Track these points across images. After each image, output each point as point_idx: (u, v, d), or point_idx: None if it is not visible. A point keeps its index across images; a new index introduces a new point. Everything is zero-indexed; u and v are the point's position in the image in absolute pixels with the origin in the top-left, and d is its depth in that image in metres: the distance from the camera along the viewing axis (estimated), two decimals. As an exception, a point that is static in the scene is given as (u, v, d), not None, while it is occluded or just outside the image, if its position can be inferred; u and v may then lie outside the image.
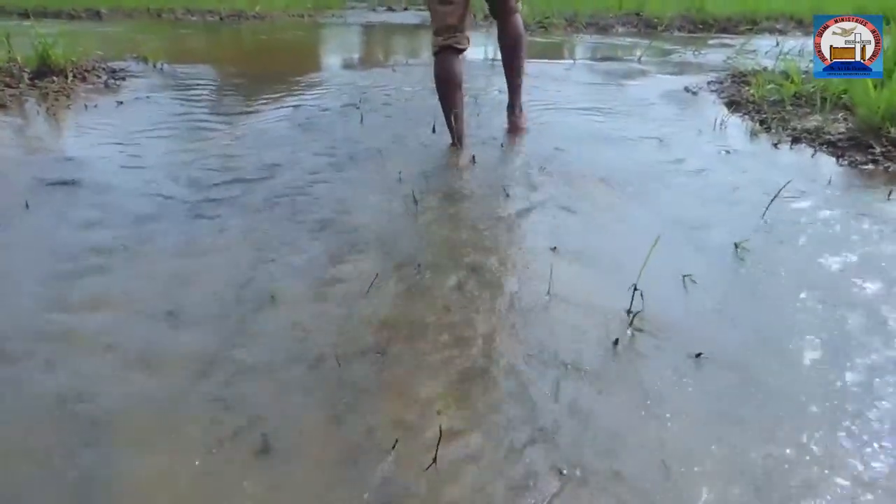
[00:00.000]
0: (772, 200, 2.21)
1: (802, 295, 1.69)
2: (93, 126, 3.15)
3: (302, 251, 1.88)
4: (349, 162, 2.67)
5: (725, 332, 1.53)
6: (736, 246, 1.98)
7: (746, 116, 3.60)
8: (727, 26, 8.05)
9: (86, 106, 3.47)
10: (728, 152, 2.95)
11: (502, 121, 3.28)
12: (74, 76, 4.08)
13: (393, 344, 1.45)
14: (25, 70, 4.05)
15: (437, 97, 2.82)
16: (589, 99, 3.96)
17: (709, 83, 4.51)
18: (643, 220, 2.15)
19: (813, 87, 3.79)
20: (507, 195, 2.33)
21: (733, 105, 3.83)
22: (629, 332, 1.51)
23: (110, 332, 1.48)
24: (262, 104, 3.71)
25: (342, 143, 2.92)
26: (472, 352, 1.43)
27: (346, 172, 2.55)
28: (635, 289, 1.59)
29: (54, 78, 3.92)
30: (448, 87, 2.74)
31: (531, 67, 5.03)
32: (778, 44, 5.82)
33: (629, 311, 1.58)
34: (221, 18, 8.02)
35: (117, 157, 2.66)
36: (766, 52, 5.87)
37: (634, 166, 2.69)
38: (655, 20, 8.10)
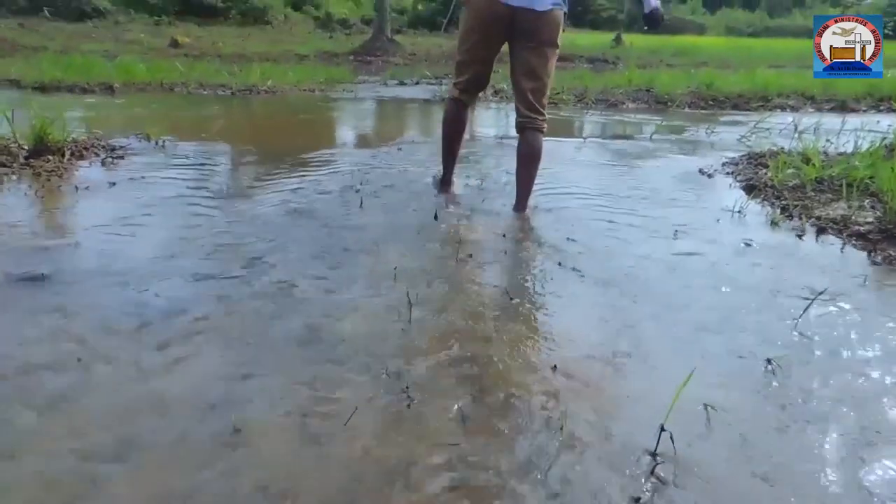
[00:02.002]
0: (806, 308, 1.99)
1: (846, 431, 1.45)
2: (80, 211, 3.01)
3: (278, 370, 1.67)
4: (342, 255, 2.49)
5: (759, 489, 1.29)
6: (769, 362, 1.75)
7: (766, 202, 3.42)
8: (738, 103, 7.99)
9: (76, 187, 3.34)
10: (749, 245, 2.75)
11: (506, 215, 3.11)
12: (72, 154, 3.99)
13: (366, 499, 1.22)
14: (24, 148, 3.96)
15: (442, 135, 3.30)
16: (600, 182, 3.80)
17: (724, 165, 4.36)
18: (662, 330, 1.93)
19: (835, 171, 3.62)
20: (511, 299, 2.12)
21: (751, 189, 3.65)
22: (650, 484, 1.27)
23: (42, 472, 1.26)
24: (260, 186, 3.58)
25: (337, 233, 2.75)
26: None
27: (337, 269, 2.36)
28: (662, 429, 1.36)
29: (49, 157, 3.82)
30: (452, 128, 3.24)
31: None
32: (795, 123, 5.69)
33: (654, 454, 1.35)
34: (233, 93, 8.06)
35: (96, 247, 2.49)
36: (781, 131, 5.77)
37: (649, 263, 2.49)
38: (665, 96, 8.06)
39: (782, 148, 4.69)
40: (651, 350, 1.81)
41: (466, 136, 3.56)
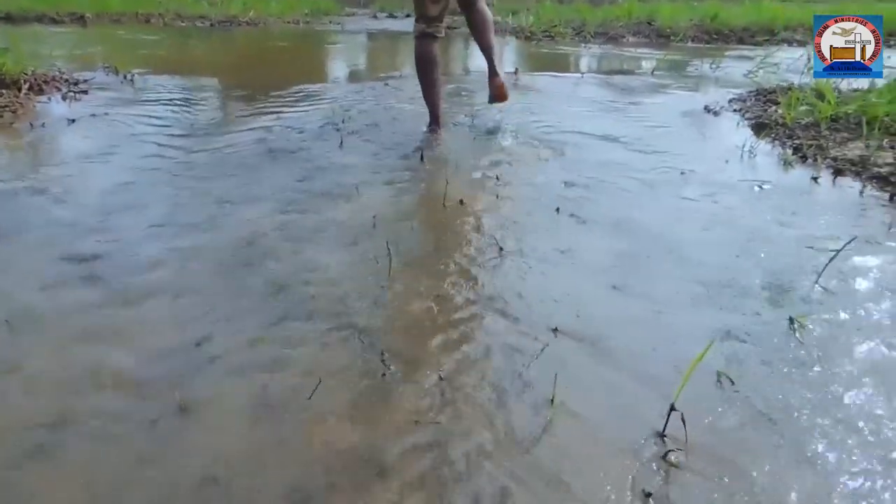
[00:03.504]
0: (831, 259, 1.79)
1: (875, 403, 1.27)
2: (31, 150, 2.75)
3: (240, 331, 1.47)
4: (317, 201, 2.26)
5: (789, 473, 1.11)
6: (791, 321, 1.56)
7: (777, 142, 3.19)
8: (743, 37, 7.63)
9: (31, 125, 3.07)
10: (762, 188, 2.53)
11: (497, 148, 2.88)
12: (30, 88, 3.69)
13: (328, 490, 1.04)
14: (-22, 81, 3.66)
15: (418, 76, 3.14)
16: (600, 120, 3.54)
17: (731, 101, 4.10)
18: (672, 285, 1.72)
19: (851, 109, 3.37)
20: (501, 249, 1.91)
21: (761, 128, 3.41)
22: (662, 472, 1.09)
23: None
24: (234, 123, 3.31)
25: (314, 175, 2.52)
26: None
27: (311, 214, 2.14)
28: (672, 409, 1.17)
29: (3, 91, 3.53)
30: (427, 65, 3.11)
31: (536, 81, 4.65)
32: (808, 58, 5.38)
33: (662, 435, 1.17)
34: (212, 25, 7.64)
35: (44, 191, 2.26)
36: (789, 66, 5.47)
37: (656, 208, 2.27)
38: (668, 30, 7.68)
39: (792, 84, 4.42)
40: (664, 309, 1.61)
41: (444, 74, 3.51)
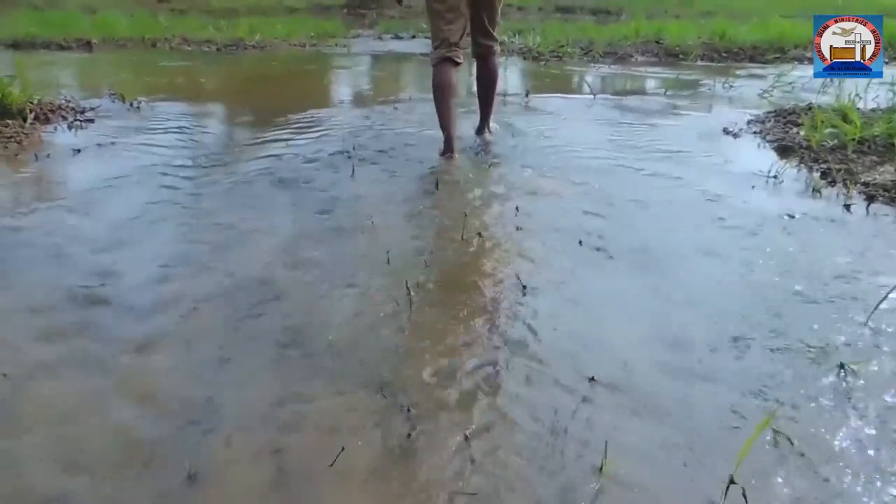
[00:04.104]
0: (882, 300, 1.68)
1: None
2: (34, 183, 2.68)
3: (253, 384, 1.37)
4: (330, 236, 2.17)
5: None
6: (842, 368, 1.45)
7: (803, 166, 3.08)
8: (753, 55, 7.55)
9: (36, 156, 2.99)
10: (793, 217, 2.42)
11: (514, 176, 2.80)
12: (36, 118, 3.62)
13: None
14: (-19, 111, 3.60)
15: (434, 102, 3.12)
16: (617, 144, 3.44)
17: (749, 122, 3.99)
18: (712, 328, 1.62)
19: (878, 130, 3.27)
20: (525, 288, 1.81)
21: (784, 151, 3.31)
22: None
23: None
24: (241, 152, 3.23)
25: (324, 206, 2.43)
26: None
27: (325, 250, 2.04)
28: (731, 482, 1.06)
29: (9, 121, 3.46)
30: (444, 92, 3.07)
31: (547, 103, 4.57)
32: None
33: (720, 509, 1.06)
34: (218, 49, 7.61)
35: (43, 228, 2.17)
36: (804, 85, 5.38)
37: (684, 240, 2.17)
38: (676, 48, 7.61)
39: (811, 104, 4.33)
40: (705, 357, 1.50)
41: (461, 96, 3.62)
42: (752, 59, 7.41)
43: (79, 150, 3.11)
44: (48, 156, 3.01)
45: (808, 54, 7.63)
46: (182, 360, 1.46)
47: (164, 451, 1.18)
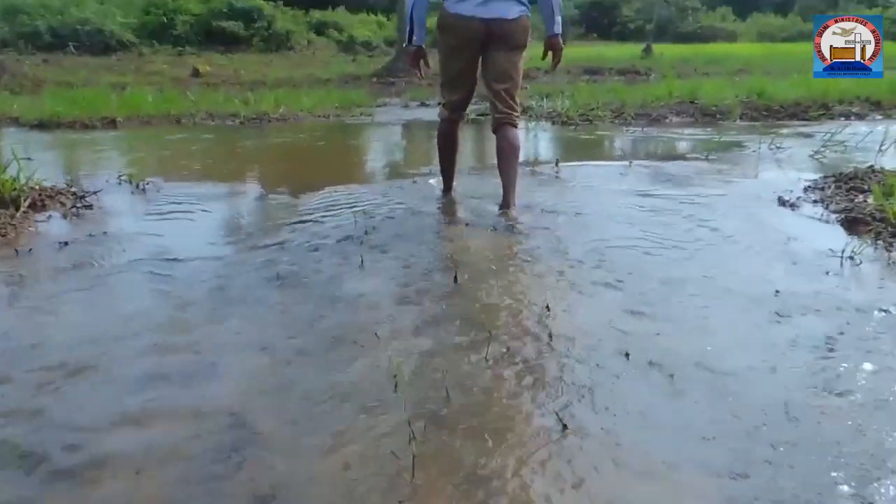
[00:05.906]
0: None
1: None
2: (6, 285, 2.39)
3: None
4: (326, 350, 1.82)
5: None
6: None
7: (881, 243, 2.66)
8: (796, 112, 7.18)
9: (17, 251, 2.73)
10: (886, 311, 2.00)
11: (543, 267, 2.43)
12: (31, 205, 3.40)
13: None
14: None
15: (438, 153, 3.53)
16: (657, 222, 3.03)
17: (806, 190, 3.59)
18: (817, 483, 1.20)
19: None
20: (565, 428, 1.42)
21: (854, 224, 2.89)
22: None
23: None
24: (241, 240, 2.94)
25: (324, 311, 2.08)
26: None
27: (317, 375, 1.68)
28: None
29: (1, 210, 3.24)
30: (447, 146, 3.47)
31: (578, 173, 4.26)
32: (883, 135, 4.88)
33: None
34: (241, 123, 7.52)
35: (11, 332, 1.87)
36: (858, 144, 4.99)
37: (757, 353, 1.76)
38: (713, 108, 7.28)
39: (871, 165, 3.92)
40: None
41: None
42: (793, 116, 7.05)
43: (66, 243, 2.84)
44: (30, 251, 2.75)
45: (854, 109, 7.26)
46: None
47: None
